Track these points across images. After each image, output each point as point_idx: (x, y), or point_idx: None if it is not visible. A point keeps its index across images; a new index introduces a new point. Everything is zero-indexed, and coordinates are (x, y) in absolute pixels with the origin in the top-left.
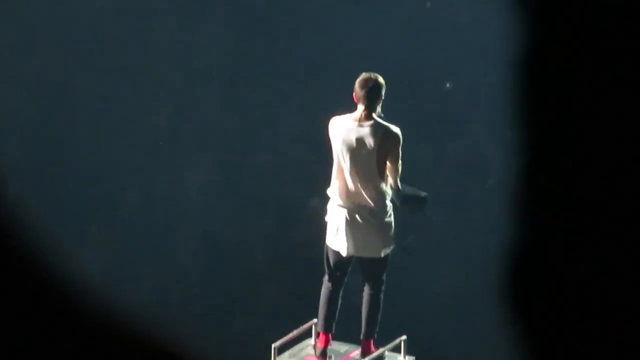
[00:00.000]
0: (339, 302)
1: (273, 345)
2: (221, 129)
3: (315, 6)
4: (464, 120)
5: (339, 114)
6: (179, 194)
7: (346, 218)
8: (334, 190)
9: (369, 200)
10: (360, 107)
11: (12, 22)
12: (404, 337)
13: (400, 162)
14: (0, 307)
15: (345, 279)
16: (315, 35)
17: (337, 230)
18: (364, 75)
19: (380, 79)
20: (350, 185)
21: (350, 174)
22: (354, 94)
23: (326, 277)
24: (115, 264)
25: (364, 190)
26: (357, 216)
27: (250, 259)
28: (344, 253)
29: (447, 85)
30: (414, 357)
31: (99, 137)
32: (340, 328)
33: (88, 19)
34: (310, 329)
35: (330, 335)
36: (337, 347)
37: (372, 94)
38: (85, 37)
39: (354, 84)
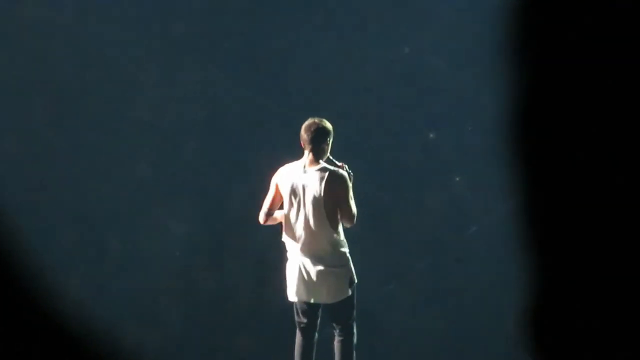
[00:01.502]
0: (313, 352)
1: None
2: (200, 176)
3: (294, 48)
4: (446, 171)
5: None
6: (159, 241)
7: (299, 265)
8: (286, 238)
9: (319, 247)
10: (306, 153)
11: None
12: None
13: (352, 205)
14: None
15: (316, 327)
16: (295, 80)
17: (293, 277)
18: (309, 120)
19: (325, 124)
20: (300, 233)
21: (300, 221)
22: (300, 140)
23: (297, 327)
24: (94, 309)
25: (315, 238)
26: (309, 262)
27: (230, 305)
28: (302, 298)
29: (431, 135)
30: None
31: (79, 183)
32: None
33: (69, 61)
34: None
35: None
36: None
37: (316, 139)
38: (67, 80)
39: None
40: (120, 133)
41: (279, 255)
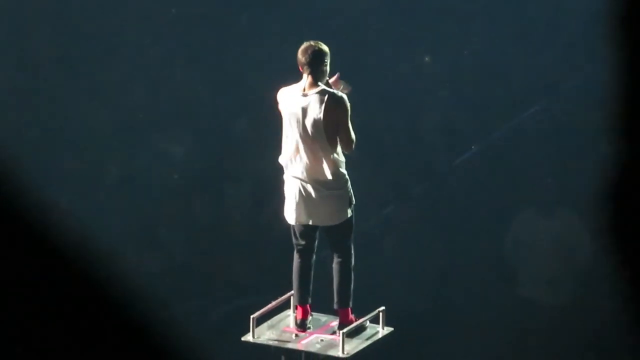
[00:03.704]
0: (311, 273)
1: (252, 317)
2: (197, 101)
3: None
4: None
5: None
6: (157, 168)
7: (299, 188)
8: (284, 161)
9: (319, 170)
10: (305, 76)
11: None
12: (382, 308)
13: (350, 129)
14: None
15: (314, 248)
16: (288, 5)
17: (291, 200)
18: (305, 44)
19: (322, 46)
20: (300, 155)
21: (299, 143)
22: (298, 64)
23: (295, 250)
24: (93, 232)
25: (314, 160)
26: (308, 185)
27: (229, 230)
28: (300, 221)
29: (427, 59)
30: (392, 329)
31: (78, 109)
32: (324, 300)
33: None
34: (289, 300)
35: (307, 307)
36: (317, 317)
37: (313, 62)
38: (64, 12)
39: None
40: (117, 58)
41: (277, 178)
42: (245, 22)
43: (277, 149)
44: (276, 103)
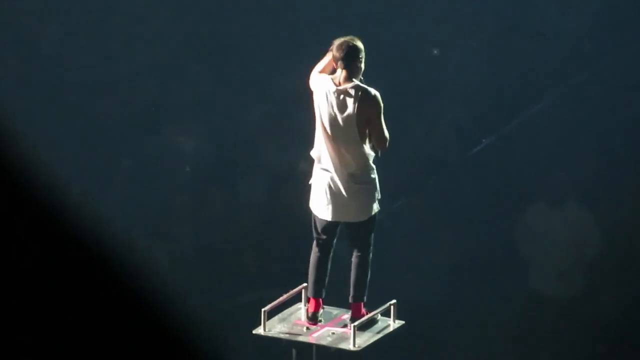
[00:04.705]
0: (328, 267)
1: (263, 310)
2: (209, 94)
3: None
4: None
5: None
6: (169, 159)
7: (329, 182)
8: (316, 153)
9: (351, 164)
10: (339, 71)
11: None
12: (393, 302)
13: (383, 126)
14: None
15: (334, 243)
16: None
17: (320, 194)
18: (340, 39)
19: (357, 43)
20: (332, 149)
21: (332, 137)
22: (333, 59)
23: (314, 242)
24: (105, 229)
25: (345, 154)
26: (339, 180)
27: (241, 223)
28: (327, 218)
29: (435, 52)
30: (403, 322)
31: (90, 102)
32: (334, 293)
33: None
34: (300, 293)
35: (320, 300)
36: (328, 311)
37: (347, 57)
38: (75, 4)
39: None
40: (129, 51)
41: (290, 171)
42: (260, 14)
43: (289, 142)
44: (309, 91)
